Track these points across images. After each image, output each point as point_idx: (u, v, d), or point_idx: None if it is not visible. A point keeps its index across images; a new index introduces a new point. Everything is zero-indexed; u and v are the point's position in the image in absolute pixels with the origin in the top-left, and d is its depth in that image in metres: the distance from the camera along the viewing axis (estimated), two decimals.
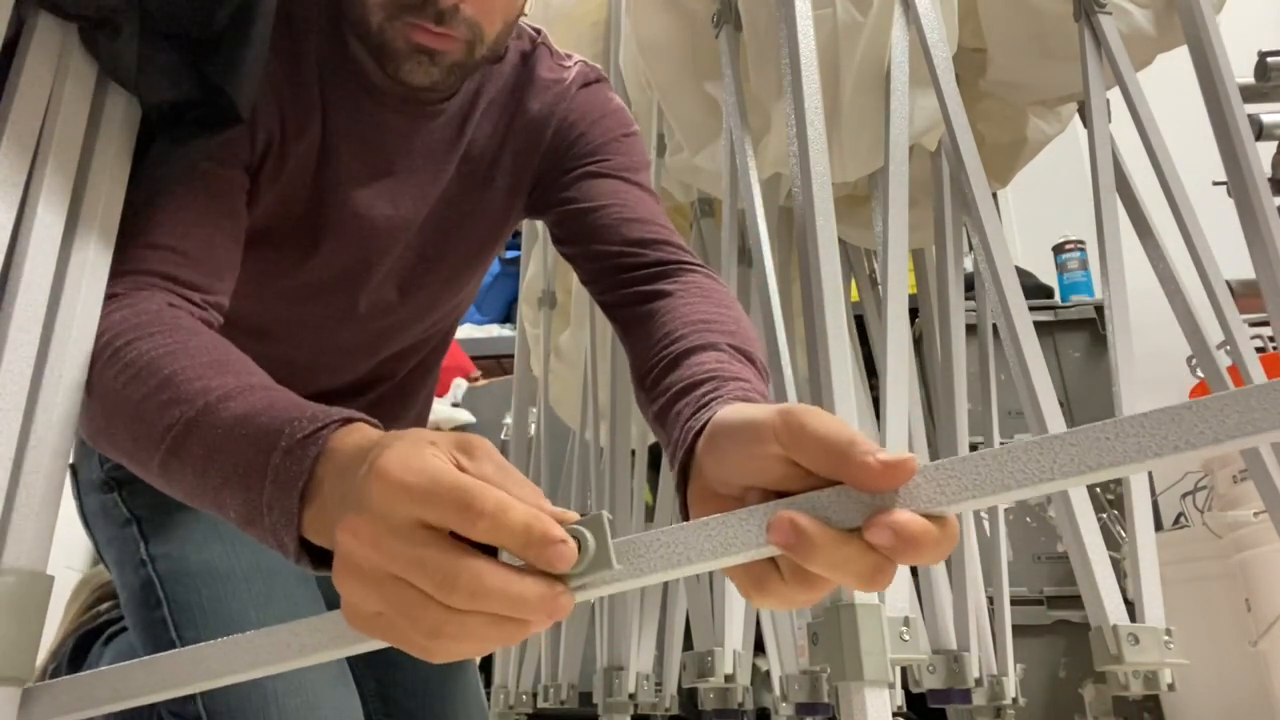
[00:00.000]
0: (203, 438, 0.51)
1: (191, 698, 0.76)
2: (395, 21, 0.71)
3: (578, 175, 0.86)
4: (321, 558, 0.48)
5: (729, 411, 0.50)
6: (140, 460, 0.55)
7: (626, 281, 0.79)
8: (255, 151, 0.74)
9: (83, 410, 0.60)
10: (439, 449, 0.42)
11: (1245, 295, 1.09)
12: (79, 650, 1.00)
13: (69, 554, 1.97)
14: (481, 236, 0.90)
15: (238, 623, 0.78)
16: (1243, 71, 1.78)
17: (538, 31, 0.91)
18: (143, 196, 0.67)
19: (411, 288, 0.89)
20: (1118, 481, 1.31)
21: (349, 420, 0.49)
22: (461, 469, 0.41)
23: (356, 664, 0.98)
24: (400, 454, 0.41)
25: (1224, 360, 1.02)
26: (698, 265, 0.79)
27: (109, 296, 0.63)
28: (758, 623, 1.28)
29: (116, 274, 0.64)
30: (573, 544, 0.40)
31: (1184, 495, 1.98)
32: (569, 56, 0.92)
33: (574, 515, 0.41)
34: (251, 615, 0.79)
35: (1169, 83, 1.33)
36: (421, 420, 1.06)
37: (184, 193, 0.68)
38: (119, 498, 0.85)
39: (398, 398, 1.00)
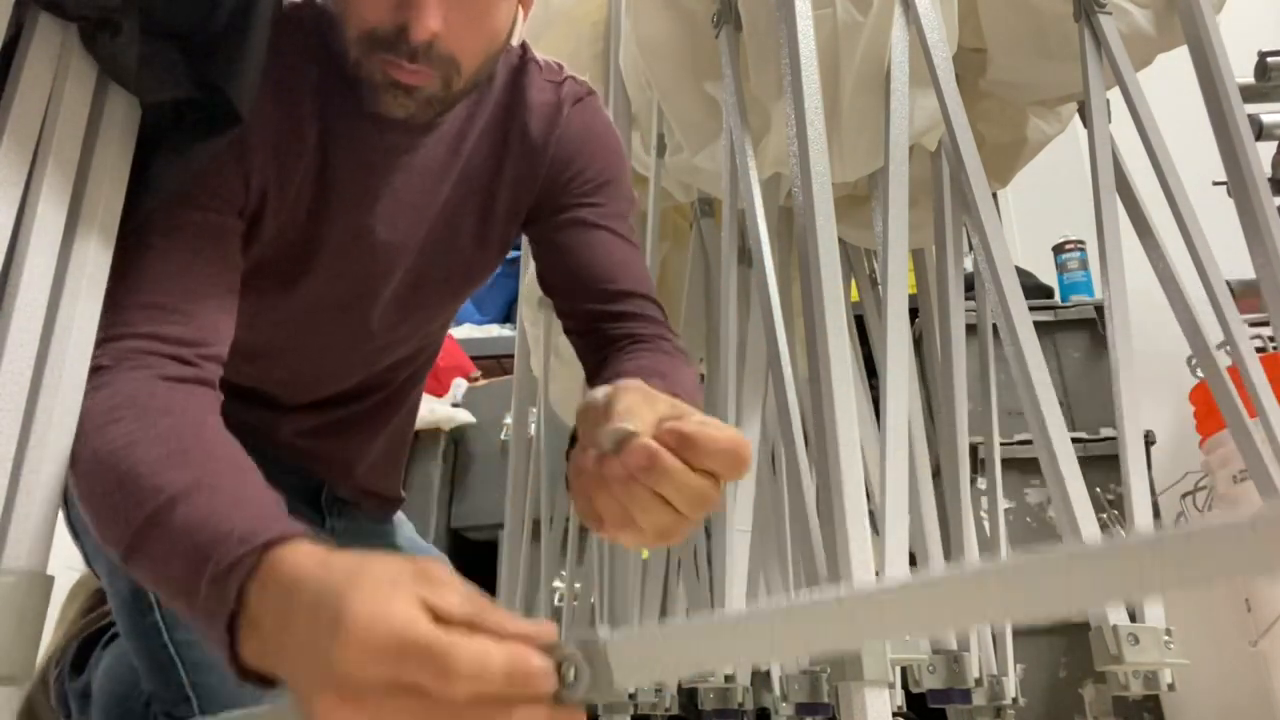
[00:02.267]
0: (149, 550, 0.52)
1: (186, 698, 0.76)
2: (371, 56, 0.72)
3: (570, 220, 0.89)
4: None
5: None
6: (106, 550, 0.56)
7: (595, 330, 0.87)
8: (250, 195, 0.73)
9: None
10: (402, 592, 0.41)
11: (1245, 295, 1.09)
12: (82, 654, 1.00)
13: (69, 554, 1.97)
14: (482, 256, 0.91)
15: None
16: (1243, 71, 1.78)
17: (524, 47, 0.91)
18: (131, 249, 0.66)
19: (411, 306, 0.90)
20: (1118, 481, 1.30)
21: (282, 539, 0.48)
22: (430, 607, 0.40)
23: None
24: (365, 610, 0.40)
25: (1224, 360, 1.02)
26: (661, 334, 0.86)
27: (93, 368, 0.62)
28: None
29: (103, 340, 0.63)
30: (551, 669, 0.40)
31: (1184, 495, 1.98)
32: (558, 69, 0.92)
33: (551, 630, 0.41)
34: None
35: (1169, 83, 1.33)
36: (411, 416, 1.07)
37: (171, 246, 0.67)
38: None
39: (390, 403, 1.01)
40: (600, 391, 0.58)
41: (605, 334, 0.86)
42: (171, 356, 0.64)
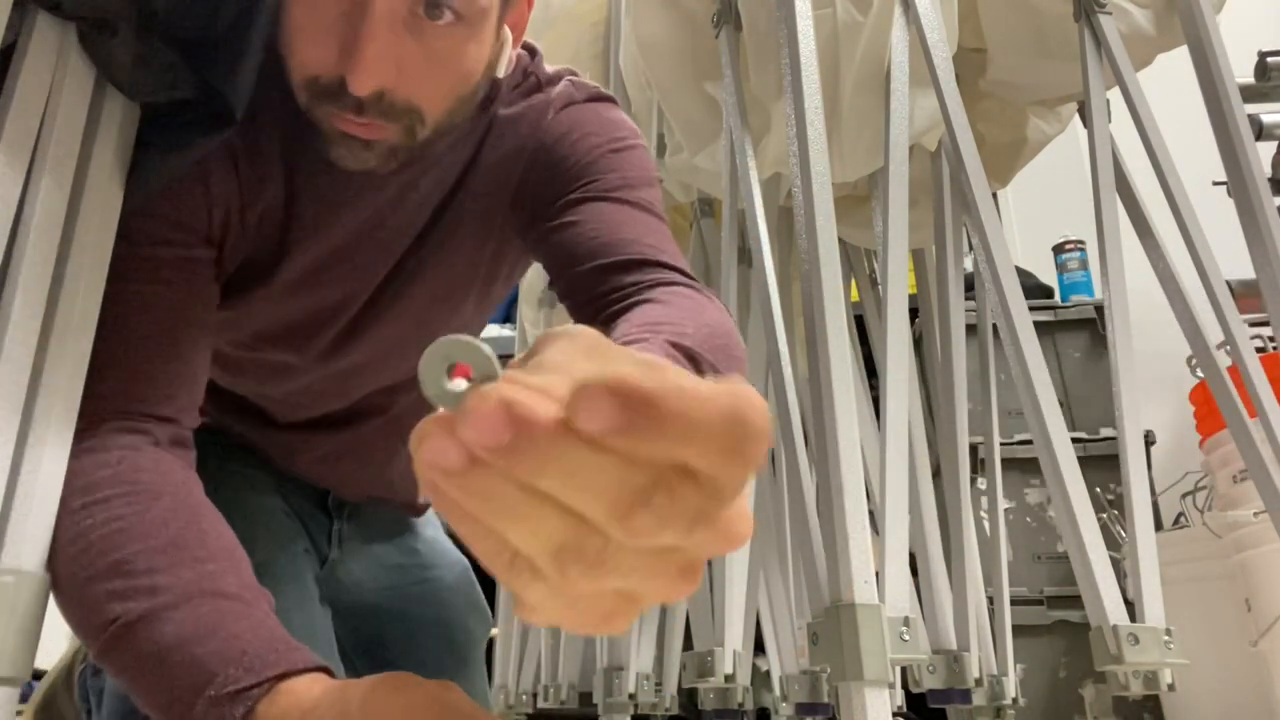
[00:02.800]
0: (138, 649, 0.51)
1: None
2: (319, 106, 0.63)
3: (561, 205, 0.76)
4: None
5: None
6: (80, 638, 0.55)
7: (601, 309, 0.69)
8: (214, 223, 0.70)
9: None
10: None
11: (1245, 295, 1.09)
12: None
13: None
14: (447, 286, 0.83)
15: None
16: (1243, 71, 1.78)
17: (531, 53, 0.82)
18: (105, 296, 0.64)
19: (372, 338, 0.84)
20: (1118, 481, 1.30)
21: (286, 675, 0.48)
22: None
23: (362, 668, 0.98)
24: None
25: (1224, 360, 1.02)
26: (680, 281, 0.70)
27: (76, 431, 0.60)
28: (758, 623, 1.28)
29: (81, 411, 0.61)
30: None
31: (1184, 495, 1.98)
32: (553, 81, 0.81)
33: None
34: None
35: (1169, 83, 1.33)
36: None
37: (143, 292, 0.65)
38: None
39: (393, 431, 0.96)
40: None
41: (611, 310, 0.69)
42: (151, 418, 0.62)
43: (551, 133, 0.78)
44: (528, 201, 0.79)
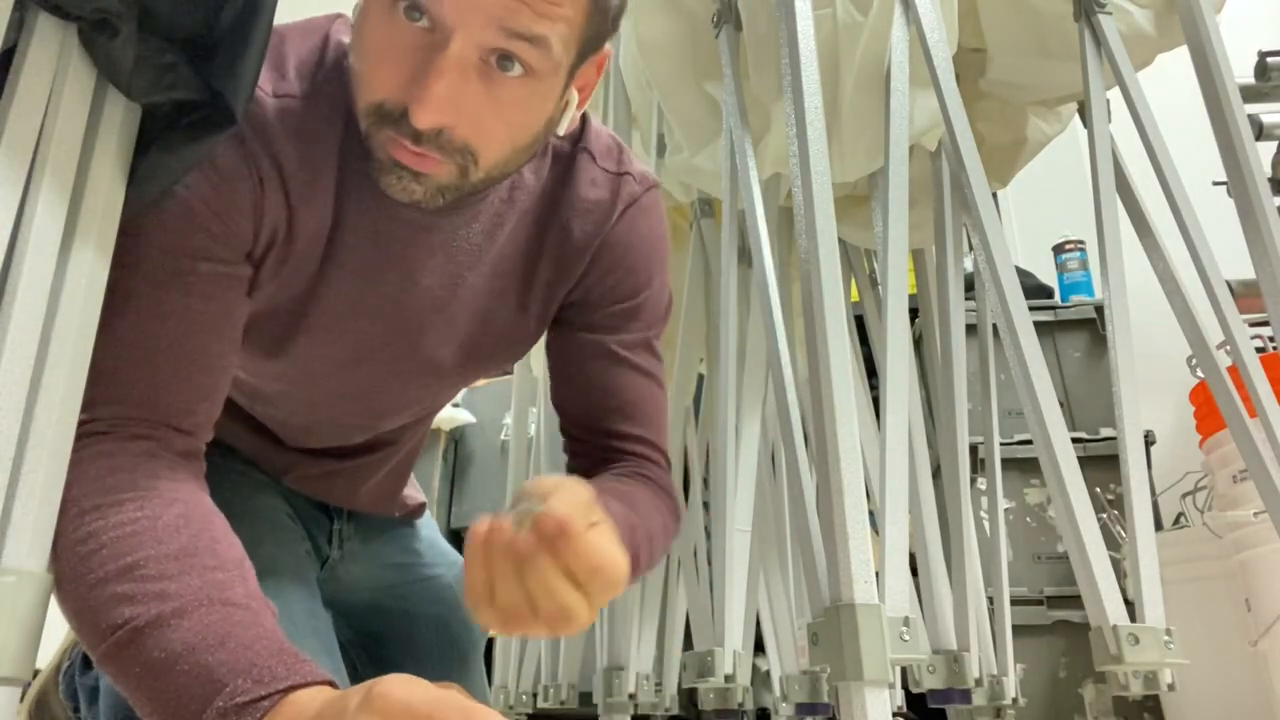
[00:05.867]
0: (145, 655, 0.51)
1: None
2: (379, 131, 0.65)
3: (596, 347, 0.85)
4: None
5: None
6: (82, 639, 0.55)
7: (596, 457, 0.86)
8: (259, 243, 0.70)
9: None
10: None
11: (1245, 295, 1.09)
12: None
13: None
14: (505, 347, 0.86)
15: None
16: (1243, 71, 1.78)
17: (585, 124, 0.83)
18: (134, 297, 0.64)
19: (414, 383, 0.86)
20: (1118, 481, 1.30)
21: (294, 688, 0.49)
22: None
23: (364, 665, 0.99)
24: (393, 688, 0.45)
25: (1224, 360, 1.02)
26: (657, 472, 0.86)
27: (86, 431, 0.60)
28: (758, 623, 1.28)
29: (97, 401, 0.61)
30: None
31: (1184, 495, 1.98)
32: (619, 155, 0.84)
33: None
34: None
35: (1169, 83, 1.33)
36: (415, 451, 1.05)
37: (167, 311, 0.65)
38: None
39: (392, 454, 0.99)
40: (538, 484, 0.58)
41: (603, 460, 0.86)
42: (168, 427, 0.63)
43: (616, 239, 0.83)
44: (579, 297, 0.85)
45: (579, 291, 0.85)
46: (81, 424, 0.60)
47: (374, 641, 1.01)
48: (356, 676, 0.98)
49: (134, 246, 0.65)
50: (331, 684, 0.51)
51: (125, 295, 0.64)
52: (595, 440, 0.86)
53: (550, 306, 0.85)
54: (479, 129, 0.64)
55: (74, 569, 0.56)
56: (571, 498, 0.55)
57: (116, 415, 0.62)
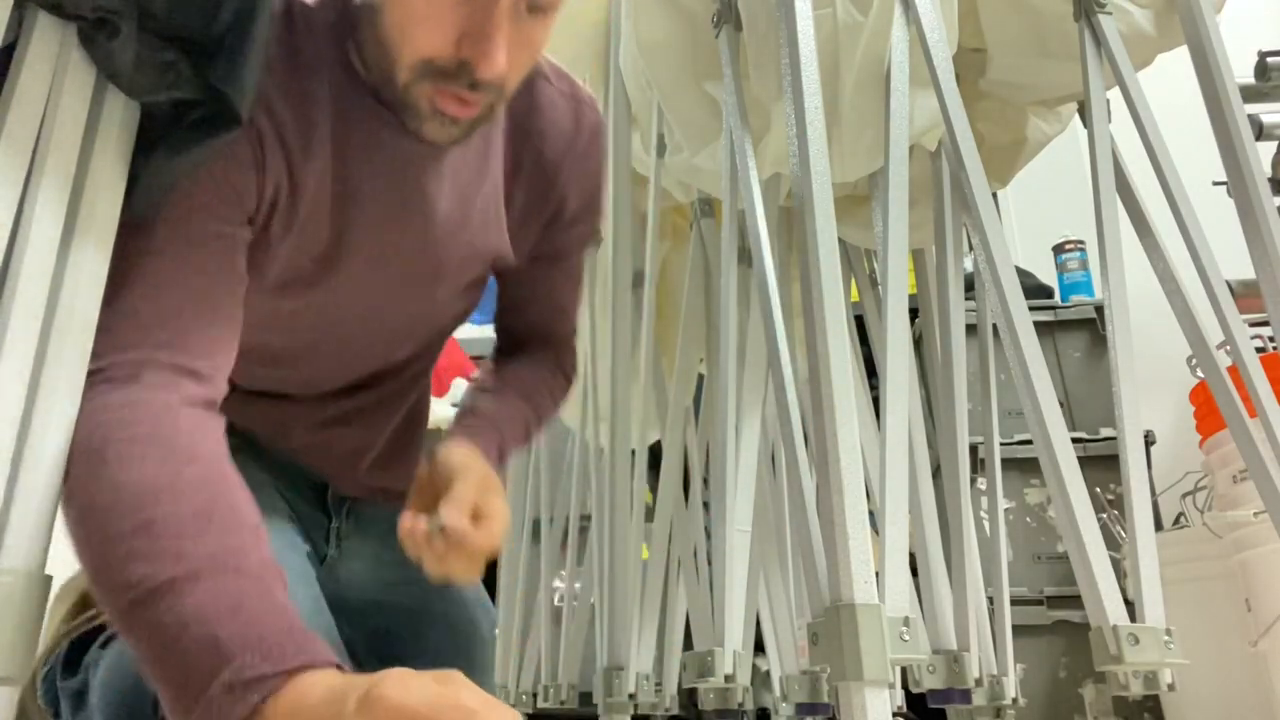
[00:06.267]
0: (157, 617, 0.51)
1: None
2: (423, 84, 0.70)
3: (557, 263, 0.97)
4: None
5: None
6: (95, 591, 0.55)
7: (523, 346, 1.02)
8: (264, 200, 0.72)
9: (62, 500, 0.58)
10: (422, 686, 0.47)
11: (1245, 295, 1.09)
12: (73, 653, 1.00)
13: (69, 554, 1.97)
14: (503, 255, 0.92)
15: None
16: (1243, 71, 1.78)
17: None
18: (146, 254, 0.65)
19: (432, 310, 0.92)
20: (1118, 481, 1.30)
21: (304, 668, 0.49)
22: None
23: (370, 664, 0.99)
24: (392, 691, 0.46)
25: (1224, 360, 1.02)
26: (564, 364, 1.04)
27: (103, 378, 0.60)
28: (758, 623, 1.28)
29: (115, 348, 0.62)
30: None
31: (1184, 495, 1.98)
32: (569, 81, 0.93)
33: None
34: None
35: (1169, 83, 1.33)
36: (422, 406, 1.07)
37: (188, 258, 0.67)
38: None
39: (401, 391, 1.01)
40: (440, 465, 0.81)
41: (527, 351, 1.02)
42: (189, 374, 0.64)
43: (583, 171, 0.94)
44: (547, 220, 0.94)
45: (551, 217, 0.94)
46: (97, 371, 0.60)
47: (381, 639, 1.01)
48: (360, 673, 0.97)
49: (131, 207, 0.66)
50: (339, 667, 0.51)
51: (141, 253, 0.65)
52: (531, 341, 1.01)
53: (527, 230, 0.93)
54: (516, 70, 0.72)
55: (93, 519, 0.56)
56: (470, 485, 0.77)
57: (136, 361, 0.62)
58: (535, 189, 0.91)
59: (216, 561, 0.53)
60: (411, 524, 0.75)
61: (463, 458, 0.81)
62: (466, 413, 0.92)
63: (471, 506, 0.75)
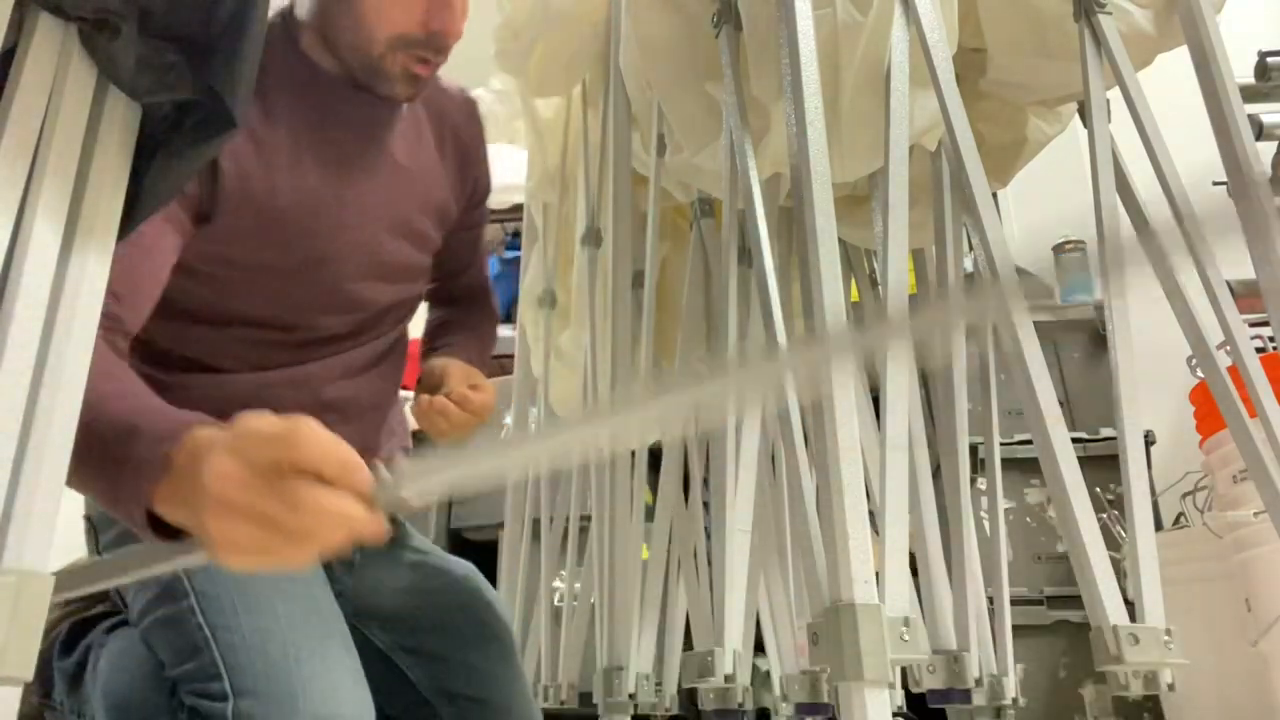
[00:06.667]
0: (94, 428, 0.62)
1: (218, 675, 0.79)
2: (397, 53, 0.92)
3: (469, 226, 1.18)
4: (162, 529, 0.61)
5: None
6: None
7: (450, 301, 1.26)
8: (215, 182, 0.86)
9: None
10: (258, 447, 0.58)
11: (1245, 295, 1.09)
12: (72, 637, 1.00)
13: (69, 554, 1.97)
14: (444, 205, 1.10)
15: (264, 610, 0.83)
16: (1243, 71, 1.78)
17: None
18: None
19: (397, 252, 1.04)
20: (1118, 481, 1.30)
21: (193, 426, 0.62)
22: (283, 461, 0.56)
23: (410, 666, 1.06)
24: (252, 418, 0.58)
25: (1224, 360, 1.02)
26: (487, 303, 1.29)
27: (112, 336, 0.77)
28: (758, 623, 1.28)
29: (106, 324, 0.73)
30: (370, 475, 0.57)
31: (1184, 495, 1.98)
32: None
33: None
34: (279, 607, 0.84)
35: (1169, 83, 1.33)
36: (396, 377, 1.16)
37: (135, 238, 0.77)
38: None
39: (382, 354, 1.10)
40: (430, 373, 1.08)
41: (455, 303, 1.25)
42: (121, 333, 0.79)
43: (480, 142, 1.16)
44: (468, 205, 1.15)
45: (470, 194, 1.14)
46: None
47: (409, 635, 1.07)
48: (405, 681, 1.05)
49: (132, 209, 0.76)
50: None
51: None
52: (456, 297, 1.24)
53: (457, 201, 1.12)
54: (460, 31, 0.92)
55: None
56: (460, 374, 1.05)
57: (116, 327, 0.78)
58: (458, 163, 1.11)
59: (129, 395, 0.68)
60: (426, 401, 1.01)
61: (445, 363, 1.07)
62: (436, 347, 1.18)
63: (465, 382, 1.03)
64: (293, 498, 0.54)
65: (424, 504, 0.61)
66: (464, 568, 1.14)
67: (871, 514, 0.81)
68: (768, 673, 1.36)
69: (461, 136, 1.11)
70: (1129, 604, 0.86)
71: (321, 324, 1.00)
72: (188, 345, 0.95)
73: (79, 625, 1.01)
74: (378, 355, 1.08)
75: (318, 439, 0.56)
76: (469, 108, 1.13)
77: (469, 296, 1.26)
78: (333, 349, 1.02)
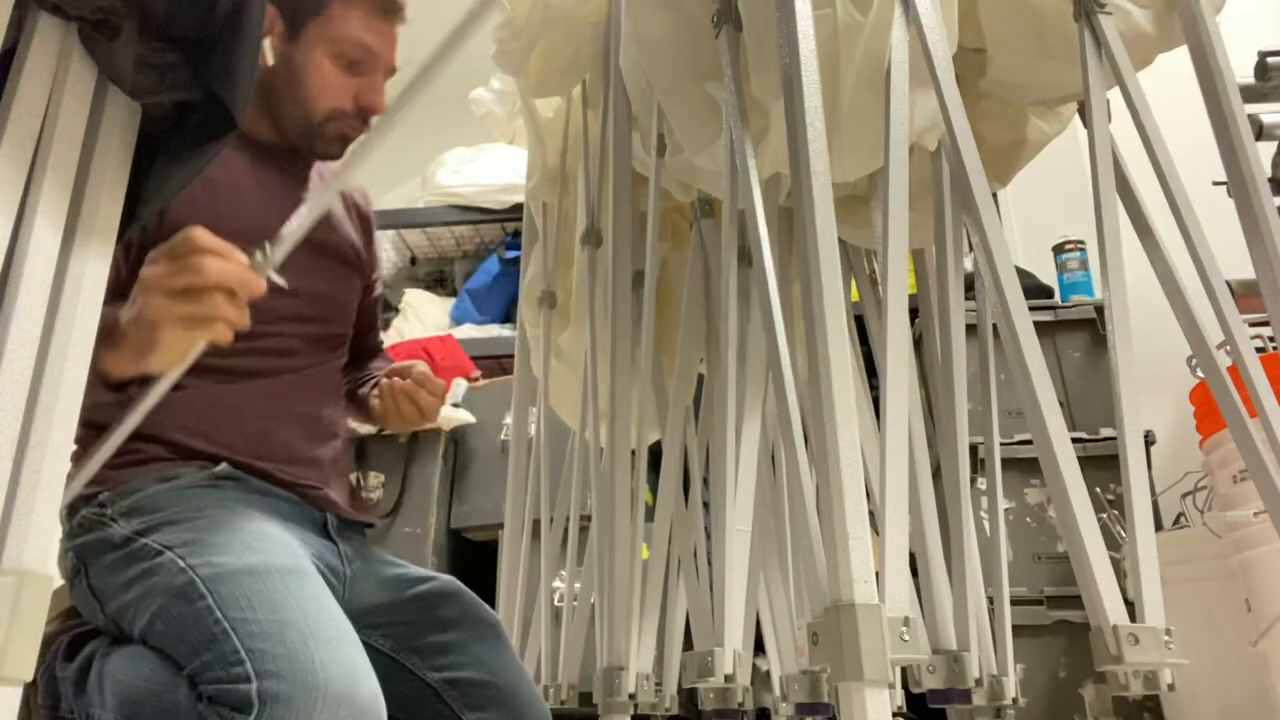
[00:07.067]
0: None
1: (240, 660, 0.81)
2: (334, 123, 1.16)
3: (373, 293, 1.38)
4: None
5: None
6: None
7: (363, 364, 1.41)
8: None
9: None
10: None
11: (1245, 295, 1.09)
12: (73, 647, 1.00)
13: None
14: (359, 249, 1.28)
15: (280, 606, 0.85)
16: (1243, 71, 1.78)
17: None
18: None
19: (331, 280, 1.22)
20: (1118, 481, 1.31)
21: None
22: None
23: (418, 665, 1.12)
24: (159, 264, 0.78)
25: (1224, 360, 1.02)
26: (385, 360, 1.44)
27: None
28: (758, 623, 1.28)
29: None
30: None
31: (1184, 495, 1.98)
32: None
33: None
34: (293, 603, 0.86)
35: (1169, 83, 1.33)
36: (332, 400, 1.27)
37: None
38: (149, 542, 0.94)
39: (309, 390, 1.20)
40: (390, 375, 1.27)
41: (367, 364, 1.42)
42: None
43: (366, 207, 1.39)
44: (370, 265, 1.35)
45: (370, 263, 1.33)
46: None
47: (411, 634, 1.13)
48: (428, 686, 1.11)
49: (133, 211, 0.82)
50: None
51: None
52: (371, 355, 1.42)
53: (364, 249, 1.30)
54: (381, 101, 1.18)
55: None
56: (417, 371, 1.25)
57: None
58: (361, 228, 1.32)
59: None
60: (392, 380, 1.24)
61: (396, 365, 1.29)
62: (369, 379, 1.36)
63: (423, 374, 1.24)
64: (196, 264, 0.76)
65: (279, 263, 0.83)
66: (444, 578, 1.22)
67: (871, 514, 0.81)
68: (768, 673, 1.36)
69: (363, 210, 1.34)
70: (1129, 604, 0.86)
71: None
72: None
73: (80, 637, 1.02)
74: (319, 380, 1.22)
75: (205, 233, 0.77)
76: (365, 194, 1.37)
77: (370, 355, 1.44)
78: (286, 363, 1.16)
